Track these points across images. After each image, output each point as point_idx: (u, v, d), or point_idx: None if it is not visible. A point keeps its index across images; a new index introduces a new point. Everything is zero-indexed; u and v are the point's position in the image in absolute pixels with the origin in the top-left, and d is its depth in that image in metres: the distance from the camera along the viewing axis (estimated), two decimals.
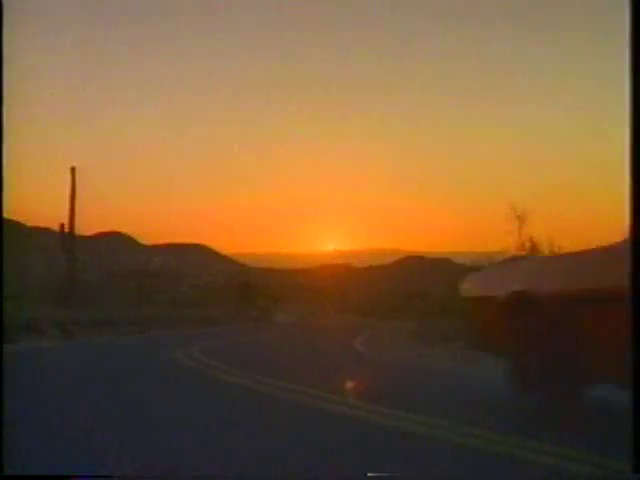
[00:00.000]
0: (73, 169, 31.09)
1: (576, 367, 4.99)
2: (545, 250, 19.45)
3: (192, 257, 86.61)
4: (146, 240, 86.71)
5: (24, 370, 9.27)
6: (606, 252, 4.75)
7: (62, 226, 30.89)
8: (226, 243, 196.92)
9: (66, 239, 30.62)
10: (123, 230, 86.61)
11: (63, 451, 4.11)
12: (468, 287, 6.75)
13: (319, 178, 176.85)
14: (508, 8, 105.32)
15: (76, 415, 5.57)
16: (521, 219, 19.69)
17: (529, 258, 14.89)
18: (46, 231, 43.54)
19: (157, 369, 10.43)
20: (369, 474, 3.55)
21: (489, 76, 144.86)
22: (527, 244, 19.69)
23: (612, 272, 4.43)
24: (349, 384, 8.12)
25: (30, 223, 51.46)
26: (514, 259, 14.22)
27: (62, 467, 3.53)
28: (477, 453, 4.10)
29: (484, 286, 6.40)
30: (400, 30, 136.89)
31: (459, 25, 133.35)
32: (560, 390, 5.22)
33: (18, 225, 41.65)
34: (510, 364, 5.73)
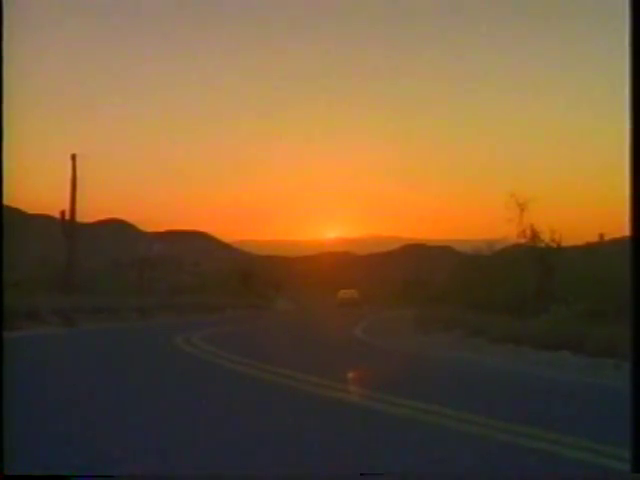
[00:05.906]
0: (74, 156, 30.94)
1: None
2: (546, 238, 19.37)
3: (193, 244, 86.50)
4: (147, 227, 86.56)
5: (26, 358, 9.26)
6: None
7: (63, 213, 30.74)
8: (227, 230, 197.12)
9: (67, 226, 30.49)
10: (124, 217, 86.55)
11: (66, 437, 4.11)
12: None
13: (321, 166, 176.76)
14: (511, 2, 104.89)
15: (77, 405, 5.58)
16: (522, 207, 19.58)
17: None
18: (47, 218, 43.44)
19: (158, 356, 10.44)
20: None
21: (491, 65, 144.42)
22: (528, 232, 19.58)
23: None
24: (351, 375, 8.11)
25: (31, 210, 51.50)
26: None
27: (62, 467, 3.52)
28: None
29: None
30: (401, 19, 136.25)
31: (461, 16, 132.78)
32: None
33: (19, 212, 41.58)
34: None
